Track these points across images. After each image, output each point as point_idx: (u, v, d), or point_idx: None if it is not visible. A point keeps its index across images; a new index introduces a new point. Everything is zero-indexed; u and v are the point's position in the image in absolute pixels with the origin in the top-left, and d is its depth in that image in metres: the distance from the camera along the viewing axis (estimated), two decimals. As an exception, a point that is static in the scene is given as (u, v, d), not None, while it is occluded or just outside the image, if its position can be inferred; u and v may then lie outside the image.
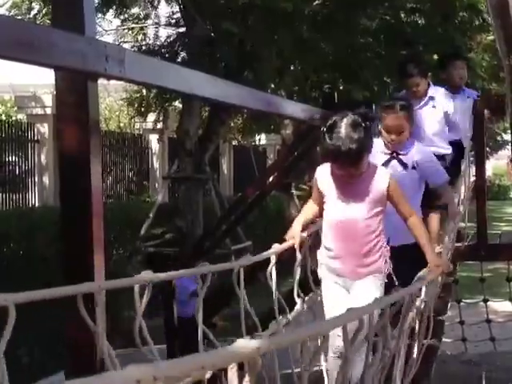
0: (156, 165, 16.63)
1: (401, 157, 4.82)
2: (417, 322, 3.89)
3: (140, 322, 2.61)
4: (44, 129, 12.94)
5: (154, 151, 16.61)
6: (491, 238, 7.32)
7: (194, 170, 11.00)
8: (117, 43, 13.24)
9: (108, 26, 14.46)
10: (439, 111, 6.10)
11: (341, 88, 14.56)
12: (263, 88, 11.52)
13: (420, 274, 3.67)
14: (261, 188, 9.36)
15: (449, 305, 6.02)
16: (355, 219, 3.68)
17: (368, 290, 3.63)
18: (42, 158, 12.97)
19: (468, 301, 8.65)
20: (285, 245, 3.78)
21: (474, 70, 14.95)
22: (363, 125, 3.55)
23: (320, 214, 3.90)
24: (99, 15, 12.03)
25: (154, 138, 16.53)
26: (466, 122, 6.56)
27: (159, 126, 14.34)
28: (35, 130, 12.97)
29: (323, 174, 3.80)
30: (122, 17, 13.00)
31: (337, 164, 3.61)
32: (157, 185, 15.85)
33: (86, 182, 3.07)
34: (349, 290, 3.76)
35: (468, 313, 8.45)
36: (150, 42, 12.26)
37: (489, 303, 8.35)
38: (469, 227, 7.27)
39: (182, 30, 11.35)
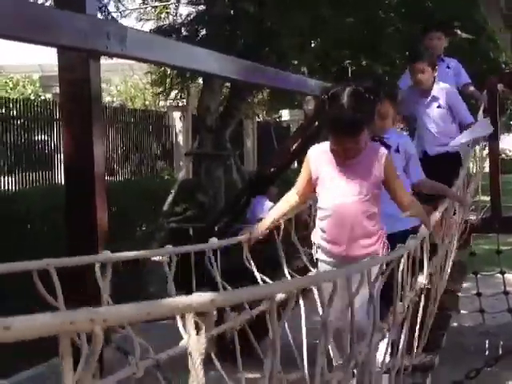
0: (180, 141, 16.69)
1: (384, 140, 4.57)
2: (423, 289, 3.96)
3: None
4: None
5: (178, 128, 16.67)
6: (506, 211, 7.29)
7: (215, 146, 11.06)
8: (139, 21, 13.32)
9: (131, 5, 14.54)
10: (445, 110, 6.02)
11: (363, 63, 14.57)
12: (284, 65, 11.54)
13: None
14: (281, 161, 9.36)
15: (463, 281, 5.99)
16: (351, 202, 3.57)
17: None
18: (66, 135, 13.05)
19: (485, 273, 8.63)
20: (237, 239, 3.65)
21: (498, 46, 14.83)
22: (366, 96, 3.44)
23: (302, 202, 3.80)
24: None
25: (178, 116, 16.59)
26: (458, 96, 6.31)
27: (181, 103, 14.37)
28: (58, 108, 13.06)
29: (317, 155, 3.65)
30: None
31: (336, 134, 3.47)
32: (181, 162, 15.94)
33: (88, 157, 3.12)
34: None
35: (485, 285, 8.43)
36: (171, 20, 12.25)
37: (506, 275, 8.32)
38: (484, 201, 7.26)
39: (202, 8, 11.35)
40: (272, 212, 3.81)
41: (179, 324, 1.26)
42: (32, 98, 17.73)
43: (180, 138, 16.61)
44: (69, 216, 3.28)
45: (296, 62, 13.23)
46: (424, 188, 4.72)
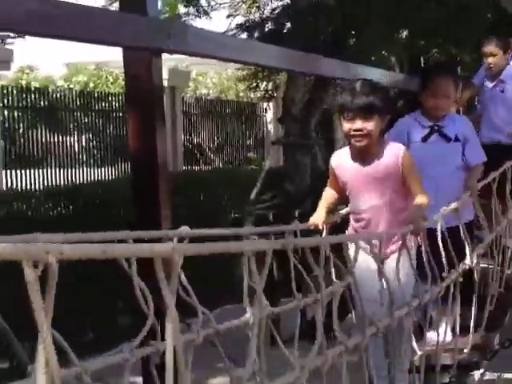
0: (271, 131, 17.00)
1: (442, 129, 4.64)
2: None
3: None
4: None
5: (268, 119, 17.00)
6: None
7: (300, 135, 11.26)
8: (229, 17, 13.56)
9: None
10: (509, 96, 5.94)
11: (452, 52, 14.40)
12: (368, 57, 11.62)
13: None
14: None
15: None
16: (380, 204, 3.68)
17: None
18: (161, 127, 13.52)
19: None
20: (306, 225, 3.83)
21: None
22: (380, 87, 3.69)
23: (340, 199, 3.93)
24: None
25: (270, 106, 16.91)
26: None
27: (271, 95, 14.64)
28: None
29: (339, 161, 3.81)
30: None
31: (347, 113, 3.58)
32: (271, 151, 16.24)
33: (152, 146, 3.40)
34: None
35: None
36: (258, 14, 12.47)
37: None
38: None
39: (287, 2, 11.54)
40: (323, 198, 3.93)
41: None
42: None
43: (270, 128, 16.93)
44: (135, 201, 3.58)
45: (385, 53, 13.25)
46: (472, 169, 4.66)
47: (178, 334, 1.61)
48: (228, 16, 12.67)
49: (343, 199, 3.96)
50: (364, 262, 3.55)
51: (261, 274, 1.94)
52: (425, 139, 4.60)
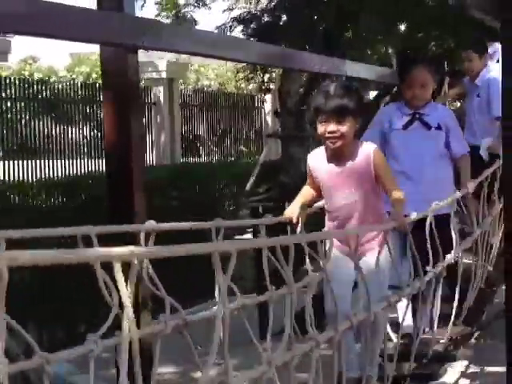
0: (269, 123, 17.05)
1: (423, 117, 4.66)
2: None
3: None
4: (159, 92, 13.59)
5: (267, 111, 17.04)
6: None
7: (295, 128, 11.31)
8: (227, 10, 13.57)
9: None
10: (483, 101, 5.90)
11: (452, 45, 14.39)
12: (364, 49, 11.66)
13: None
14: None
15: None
16: (352, 204, 3.74)
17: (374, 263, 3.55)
18: (158, 119, 13.63)
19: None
20: (280, 218, 3.86)
21: None
22: (353, 89, 3.75)
23: (318, 196, 3.94)
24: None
25: (267, 98, 16.94)
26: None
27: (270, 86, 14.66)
28: (151, 93, 13.64)
29: (314, 161, 3.85)
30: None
31: (321, 115, 3.65)
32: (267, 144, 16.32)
33: (127, 139, 3.46)
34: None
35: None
36: (256, 6, 12.50)
37: None
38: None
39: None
40: (298, 198, 3.93)
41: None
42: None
43: (269, 120, 16.98)
44: (110, 196, 3.65)
45: (382, 48, 13.24)
46: (458, 164, 4.72)
47: (135, 330, 1.68)
48: (224, 10, 12.69)
49: (320, 197, 3.98)
50: (339, 258, 3.68)
51: (226, 273, 1.97)
52: (405, 126, 4.64)
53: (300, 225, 3.84)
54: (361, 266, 3.21)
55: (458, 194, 4.59)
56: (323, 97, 3.67)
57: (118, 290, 1.61)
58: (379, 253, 3.49)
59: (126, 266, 1.60)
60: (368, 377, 3.37)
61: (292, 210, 3.86)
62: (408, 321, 4.18)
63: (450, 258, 4.22)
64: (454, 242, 4.28)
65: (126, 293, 1.52)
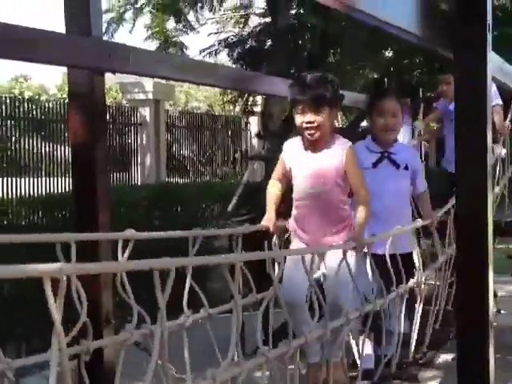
0: (255, 145, 17.14)
1: (392, 156, 4.62)
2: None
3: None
4: (145, 112, 13.67)
5: (253, 133, 17.13)
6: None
7: (279, 150, 11.37)
8: (216, 31, 13.67)
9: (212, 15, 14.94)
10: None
11: (436, 69, 14.52)
12: (345, 74, 11.76)
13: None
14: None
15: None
16: (319, 194, 3.74)
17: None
18: (144, 139, 13.71)
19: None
20: (257, 227, 3.85)
21: None
22: (329, 80, 3.72)
23: (283, 189, 3.95)
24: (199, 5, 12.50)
25: (252, 120, 17.03)
26: None
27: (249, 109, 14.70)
28: (138, 114, 13.72)
29: (290, 148, 3.89)
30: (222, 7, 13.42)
31: (298, 106, 3.67)
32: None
33: (93, 156, 3.53)
34: None
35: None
36: (245, 30, 12.61)
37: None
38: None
39: (268, 19, 11.69)
40: (269, 200, 3.93)
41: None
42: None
43: (254, 142, 17.07)
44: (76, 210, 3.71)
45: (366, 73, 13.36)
46: (420, 199, 4.78)
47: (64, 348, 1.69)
48: (210, 34, 12.80)
49: (285, 192, 3.97)
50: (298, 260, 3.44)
51: (164, 291, 1.92)
52: (375, 165, 4.58)
53: (275, 237, 3.82)
54: (324, 268, 3.18)
55: (421, 223, 4.56)
56: (300, 88, 3.69)
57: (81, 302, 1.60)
58: (344, 253, 3.32)
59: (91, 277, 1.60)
60: None
61: (268, 219, 3.85)
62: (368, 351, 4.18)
63: (413, 281, 4.20)
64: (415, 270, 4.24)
65: (54, 308, 1.56)
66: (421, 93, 8.91)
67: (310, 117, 3.66)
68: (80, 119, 3.58)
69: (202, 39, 13.63)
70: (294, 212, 3.88)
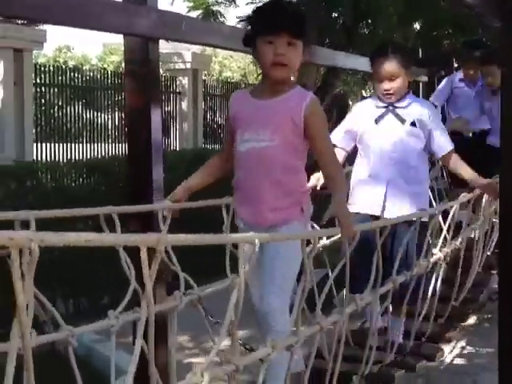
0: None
1: (397, 110, 4.13)
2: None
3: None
4: (184, 81, 13.63)
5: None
6: None
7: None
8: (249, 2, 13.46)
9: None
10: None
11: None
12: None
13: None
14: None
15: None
16: (264, 149, 2.81)
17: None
18: (183, 107, 13.68)
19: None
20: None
21: None
22: (309, 16, 3.41)
23: (227, 159, 3.05)
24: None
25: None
26: None
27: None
28: (177, 82, 13.69)
29: (237, 99, 3.01)
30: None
31: (270, 38, 2.78)
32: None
33: (148, 122, 3.50)
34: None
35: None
36: None
37: None
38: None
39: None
40: (197, 172, 3.20)
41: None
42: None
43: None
44: (129, 173, 3.69)
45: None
46: (448, 163, 4.25)
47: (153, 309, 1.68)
48: (247, 3, 12.64)
49: (227, 162, 3.09)
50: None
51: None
52: (377, 121, 4.12)
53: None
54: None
55: (468, 196, 4.24)
56: (280, 12, 2.80)
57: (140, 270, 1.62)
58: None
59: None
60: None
61: (178, 191, 3.13)
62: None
63: (439, 253, 3.98)
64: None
65: (147, 275, 1.56)
66: (455, 63, 8.75)
67: (283, 47, 2.79)
68: (135, 85, 3.54)
69: (240, 8, 13.49)
70: (235, 177, 3.00)
